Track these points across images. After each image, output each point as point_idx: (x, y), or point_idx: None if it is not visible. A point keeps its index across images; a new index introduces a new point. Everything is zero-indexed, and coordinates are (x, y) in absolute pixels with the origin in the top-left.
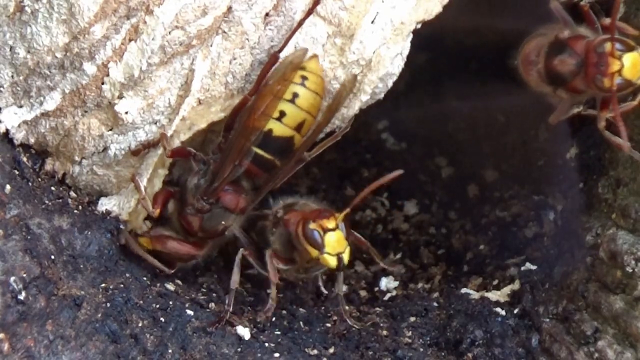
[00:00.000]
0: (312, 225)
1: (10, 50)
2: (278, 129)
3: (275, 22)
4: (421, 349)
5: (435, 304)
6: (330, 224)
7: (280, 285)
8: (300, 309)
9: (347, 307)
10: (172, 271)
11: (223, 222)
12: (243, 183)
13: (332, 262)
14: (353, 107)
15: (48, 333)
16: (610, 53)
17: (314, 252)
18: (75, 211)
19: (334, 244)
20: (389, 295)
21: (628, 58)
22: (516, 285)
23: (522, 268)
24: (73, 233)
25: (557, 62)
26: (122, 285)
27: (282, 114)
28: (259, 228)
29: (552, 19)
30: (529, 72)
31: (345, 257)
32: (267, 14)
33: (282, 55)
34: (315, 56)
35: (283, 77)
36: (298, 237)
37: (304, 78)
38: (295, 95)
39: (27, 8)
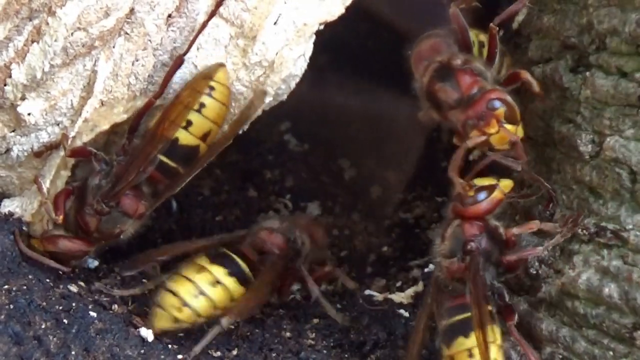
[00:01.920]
0: None
1: None
2: (184, 137)
3: (177, 24)
4: (325, 351)
5: (338, 305)
6: None
7: None
8: None
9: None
10: (69, 269)
11: (119, 226)
12: (144, 189)
13: None
14: None
15: None
16: (497, 118)
17: None
18: None
19: None
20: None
21: (506, 130)
22: (420, 287)
23: (426, 270)
24: None
25: (439, 89)
26: (25, 287)
27: (189, 123)
28: None
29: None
30: (417, 69)
31: None
32: (169, 16)
33: (187, 57)
34: (222, 66)
35: (195, 88)
36: None
37: (211, 88)
38: (202, 105)
39: None
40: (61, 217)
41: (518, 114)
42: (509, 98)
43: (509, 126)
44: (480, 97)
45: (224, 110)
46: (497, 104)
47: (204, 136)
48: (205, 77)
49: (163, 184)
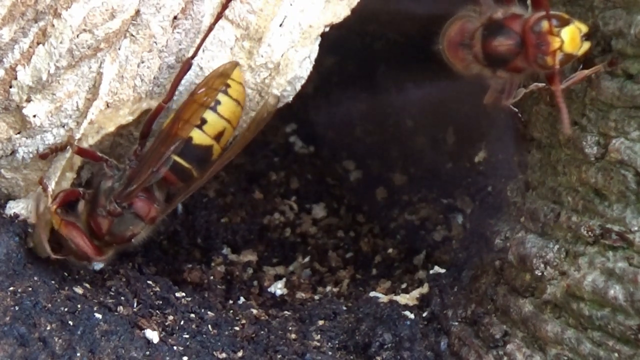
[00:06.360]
0: None
1: None
2: (198, 137)
3: (183, 26)
4: (330, 353)
5: (343, 307)
6: None
7: None
8: (209, 312)
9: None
10: (54, 257)
11: (132, 228)
12: (156, 193)
13: None
14: None
15: None
16: (549, 31)
17: None
18: None
19: None
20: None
21: (566, 33)
22: (425, 289)
23: (431, 271)
24: None
25: (496, 44)
26: (30, 289)
27: (203, 121)
28: None
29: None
30: (456, 55)
31: None
32: (175, 17)
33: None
34: (237, 64)
35: (212, 87)
36: None
37: (227, 86)
38: (217, 102)
39: None
40: (55, 206)
41: (563, 15)
42: (543, 12)
43: (566, 28)
44: (524, 29)
45: (239, 110)
46: (540, 22)
47: (218, 135)
48: (222, 74)
49: (176, 187)
